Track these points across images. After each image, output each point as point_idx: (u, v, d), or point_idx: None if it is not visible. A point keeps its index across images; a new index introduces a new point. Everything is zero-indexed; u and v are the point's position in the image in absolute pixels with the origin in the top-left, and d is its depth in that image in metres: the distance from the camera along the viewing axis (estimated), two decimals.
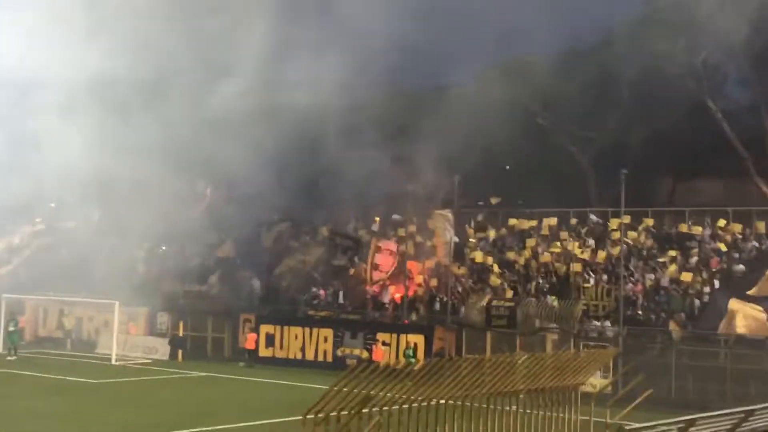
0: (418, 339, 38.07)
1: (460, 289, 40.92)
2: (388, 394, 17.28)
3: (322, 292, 44.30)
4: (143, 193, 42.83)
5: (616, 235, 39.98)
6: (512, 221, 45.39)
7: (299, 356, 41.02)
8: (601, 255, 39.99)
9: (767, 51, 42.15)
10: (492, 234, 45.47)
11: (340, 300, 43.32)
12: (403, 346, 38.11)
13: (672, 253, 39.24)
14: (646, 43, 42.73)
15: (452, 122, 42.92)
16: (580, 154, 49.05)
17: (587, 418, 23.03)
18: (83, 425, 26.12)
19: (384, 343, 38.55)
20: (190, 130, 39.10)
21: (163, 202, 43.13)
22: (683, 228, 41.11)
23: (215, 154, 41.71)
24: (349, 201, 47.43)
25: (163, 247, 50.44)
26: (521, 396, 21.14)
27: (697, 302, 35.44)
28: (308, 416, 16.02)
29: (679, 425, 14.20)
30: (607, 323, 35.60)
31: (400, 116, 47.11)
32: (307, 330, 41.19)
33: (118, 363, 40.68)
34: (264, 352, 41.84)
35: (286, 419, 23.84)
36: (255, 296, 45.60)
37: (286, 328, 41.74)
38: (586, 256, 40.39)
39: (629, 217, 39.55)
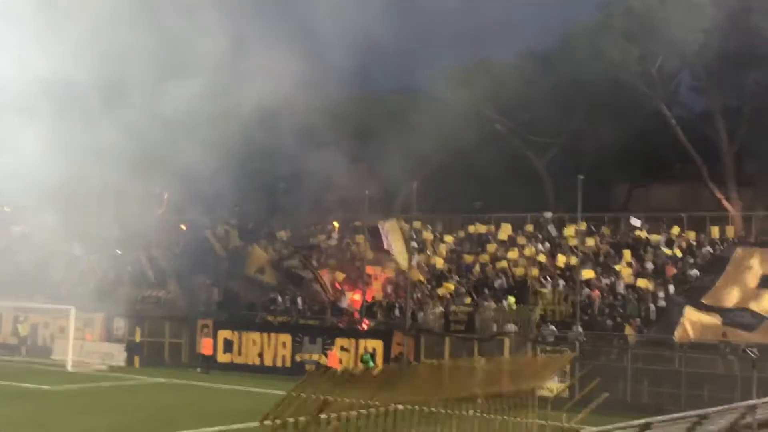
0: (376, 344, 38.08)
1: (418, 294, 40.99)
2: (347, 400, 17.26)
3: (279, 297, 44.15)
4: (100, 197, 42.39)
5: (573, 241, 40.39)
6: (471, 227, 45.74)
7: (257, 362, 40.86)
8: (561, 259, 40.35)
9: (721, 59, 42.69)
10: (450, 239, 45.70)
11: (299, 305, 43.20)
12: (361, 351, 38.09)
13: (627, 258, 39.73)
14: (602, 50, 43.18)
15: (412, 127, 43.10)
16: (537, 159, 49.45)
17: (544, 422, 23.18)
18: None
19: (342, 348, 38.56)
20: (148, 132, 38.73)
21: (120, 206, 42.69)
22: (640, 234, 41.63)
23: (173, 158, 41.36)
24: (307, 205, 47.35)
25: (119, 252, 49.90)
26: (479, 400, 21.23)
27: (652, 307, 35.87)
28: (265, 422, 15.94)
29: (635, 428, 14.31)
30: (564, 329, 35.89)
31: (361, 119, 47.22)
32: (266, 335, 41.02)
33: (74, 369, 40.23)
34: (222, 357, 41.59)
35: (244, 425, 23.70)
36: (212, 302, 45.33)
37: (244, 333, 41.50)
38: (542, 259, 40.83)
39: (584, 223, 39.97)
